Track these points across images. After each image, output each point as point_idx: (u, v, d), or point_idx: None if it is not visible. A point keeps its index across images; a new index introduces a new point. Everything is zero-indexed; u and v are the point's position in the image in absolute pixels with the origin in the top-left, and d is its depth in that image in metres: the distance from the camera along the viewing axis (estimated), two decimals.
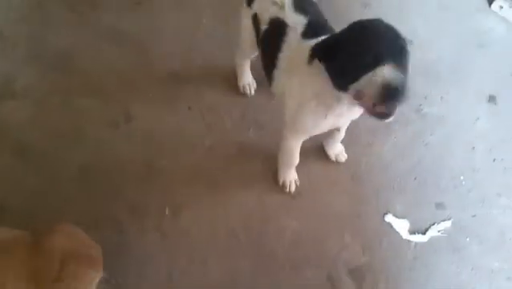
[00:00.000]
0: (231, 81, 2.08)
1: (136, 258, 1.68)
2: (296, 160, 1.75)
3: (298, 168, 1.82)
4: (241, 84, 2.06)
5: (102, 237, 1.65)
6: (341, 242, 1.75)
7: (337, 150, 1.91)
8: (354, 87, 1.25)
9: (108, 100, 2.02)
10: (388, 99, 1.19)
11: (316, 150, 1.93)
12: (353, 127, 1.77)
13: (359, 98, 1.26)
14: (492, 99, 2.17)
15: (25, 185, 1.80)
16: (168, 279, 1.65)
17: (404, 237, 1.78)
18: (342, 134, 1.80)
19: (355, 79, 1.23)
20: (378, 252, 1.74)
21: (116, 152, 1.90)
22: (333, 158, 1.92)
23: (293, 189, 1.83)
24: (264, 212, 1.79)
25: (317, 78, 1.35)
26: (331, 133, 1.78)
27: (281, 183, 1.83)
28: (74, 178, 1.82)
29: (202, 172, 1.87)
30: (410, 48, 1.25)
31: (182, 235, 1.73)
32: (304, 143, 1.67)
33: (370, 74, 1.19)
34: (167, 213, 1.78)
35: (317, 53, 1.32)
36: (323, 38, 1.36)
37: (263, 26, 1.56)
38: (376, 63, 1.19)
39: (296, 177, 1.84)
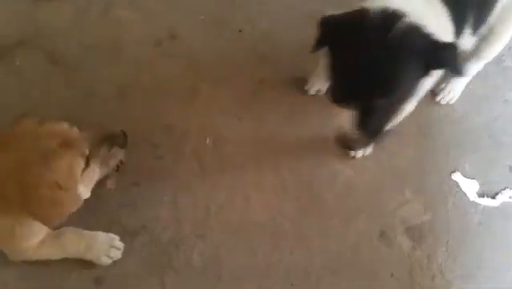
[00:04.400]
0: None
1: (172, 186, 1.52)
2: None
3: None
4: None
5: (137, 160, 1.53)
6: (400, 197, 1.54)
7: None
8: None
9: (152, 16, 1.82)
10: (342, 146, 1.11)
11: None
12: None
13: None
14: None
15: (57, 96, 1.65)
16: (205, 213, 1.50)
17: (471, 199, 1.56)
18: None
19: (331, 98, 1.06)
20: (441, 212, 1.53)
21: (157, 71, 1.71)
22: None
23: (311, 92, 1.67)
24: (316, 154, 1.60)
25: None
26: None
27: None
28: (110, 95, 1.66)
29: (249, 104, 1.68)
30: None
31: (223, 168, 1.57)
32: None
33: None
34: (207, 142, 1.60)
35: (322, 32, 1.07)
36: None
37: None
38: (338, 98, 1.03)
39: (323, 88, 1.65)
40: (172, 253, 1.44)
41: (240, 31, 1.80)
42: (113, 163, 1.30)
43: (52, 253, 1.35)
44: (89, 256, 1.37)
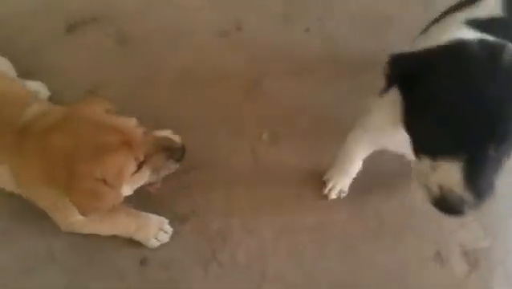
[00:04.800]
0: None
1: (226, 176, 1.51)
2: (350, 166, 1.39)
3: None
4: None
5: (193, 146, 1.51)
6: (461, 219, 1.47)
7: None
8: (415, 163, 0.90)
9: (221, 5, 1.81)
10: (441, 210, 0.87)
11: None
12: None
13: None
14: None
15: (122, 75, 1.66)
16: (256, 209, 1.47)
17: None
18: None
19: (420, 150, 0.88)
20: (501, 239, 1.45)
21: (219, 61, 1.70)
22: None
23: (332, 196, 1.47)
24: (377, 169, 1.53)
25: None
26: None
27: (324, 178, 1.50)
28: (169, 81, 1.65)
29: (310, 103, 1.64)
30: None
31: (277, 165, 1.54)
32: None
33: (429, 164, 0.85)
34: (264, 137, 1.58)
35: (394, 71, 0.90)
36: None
37: None
38: (449, 151, 0.81)
39: (345, 189, 1.48)
40: (218, 244, 1.42)
41: (307, 30, 1.77)
42: (164, 173, 1.25)
43: (102, 228, 1.36)
44: (138, 237, 1.38)
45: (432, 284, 1.40)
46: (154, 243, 1.39)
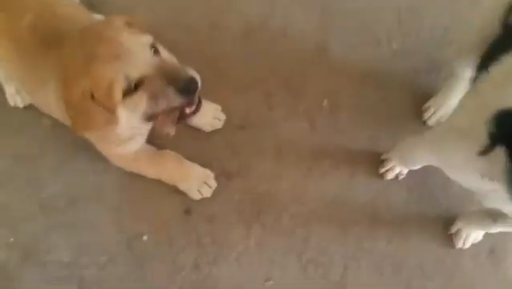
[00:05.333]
0: None
1: (278, 139, 1.45)
2: (413, 164, 1.34)
3: None
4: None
5: (247, 105, 1.48)
6: None
7: None
8: None
9: None
10: None
11: None
12: None
13: None
14: None
15: (183, 21, 1.60)
16: (306, 175, 1.42)
17: None
18: None
19: None
20: None
21: (289, 19, 1.59)
22: None
23: (389, 177, 1.41)
24: None
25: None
26: None
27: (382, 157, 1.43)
28: (235, 32, 1.57)
29: (379, 77, 1.53)
30: None
31: (333, 134, 1.47)
32: None
33: None
34: (324, 104, 1.50)
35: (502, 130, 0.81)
36: None
37: None
38: None
39: (404, 171, 1.40)
40: (263, 206, 1.39)
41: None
42: (163, 104, 1.05)
43: (147, 169, 1.35)
44: (182, 186, 1.36)
45: (483, 281, 1.34)
46: (196, 195, 1.37)
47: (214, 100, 1.45)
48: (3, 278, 1.27)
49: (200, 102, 1.11)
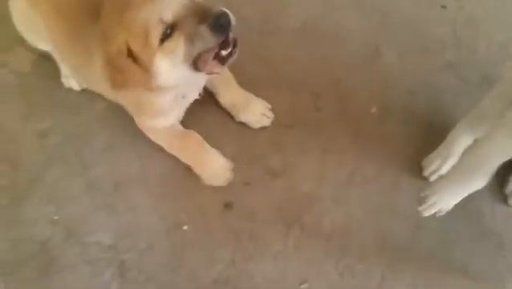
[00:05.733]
0: None
1: (322, 141, 1.44)
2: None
3: None
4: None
5: (295, 104, 1.47)
6: None
7: None
8: None
9: None
10: None
11: None
12: None
13: None
14: None
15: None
16: (349, 180, 1.41)
17: None
18: None
19: None
20: None
21: (343, 19, 1.60)
22: None
23: (431, 179, 1.38)
24: None
25: None
26: None
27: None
28: (292, 27, 1.58)
29: (429, 88, 1.51)
30: None
31: (379, 141, 1.45)
32: None
33: None
34: (373, 111, 1.49)
35: None
36: None
37: None
38: None
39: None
40: (304, 207, 1.38)
41: (443, 7, 1.62)
42: (198, 45, 1.00)
43: (169, 144, 1.35)
44: (197, 170, 1.36)
45: None
46: (209, 182, 1.36)
47: (261, 96, 1.46)
48: (45, 254, 1.30)
49: (235, 44, 1.06)
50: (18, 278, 1.28)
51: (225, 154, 1.40)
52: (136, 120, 1.33)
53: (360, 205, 1.38)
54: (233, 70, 1.40)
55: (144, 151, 1.38)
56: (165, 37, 0.98)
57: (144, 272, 1.30)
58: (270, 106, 1.44)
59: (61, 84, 1.45)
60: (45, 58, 1.44)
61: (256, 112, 1.43)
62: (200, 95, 1.33)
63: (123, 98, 1.26)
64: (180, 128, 1.36)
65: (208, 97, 1.42)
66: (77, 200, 1.35)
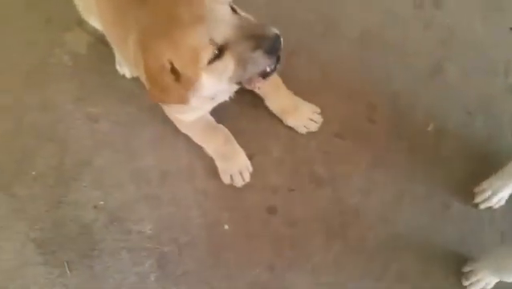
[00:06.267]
0: None
1: (373, 155, 1.40)
2: None
3: None
4: None
5: (348, 113, 1.43)
6: None
7: None
8: None
9: None
10: None
11: None
12: None
13: None
14: None
15: (300, 17, 1.57)
16: (397, 199, 1.36)
17: None
18: None
19: None
20: None
21: (407, 32, 1.53)
22: None
23: (486, 205, 1.34)
24: None
25: None
26: None
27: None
28: (351, 35, 1.52)
29: (492, 110, 1.45)
30: None
31: (433, 160, 1.40)
32: None
33: None
34: (429, 129, 1.43)
35: None
36: None
37: None
38: None
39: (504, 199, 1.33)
40: (348, 221, 1.35)
41: None
42: (252, 70, 0.99)
43: (197, 135, 1.34)
44: (219, 163, 1.35)
45: None
46: (227, 179, 1.35)
47: (315, 102, 1.42)
48: (88, 237, 1.31)
49: (279, 60, 1.01)
50: (59, 258, 1.30)
51: (271, 157, 1.39)
52: (165, 110, 1.31)
53: (407, 224, 1.34)
54: (287, 74, 1.37)
55: (193, 145, 1.37)
56: (215, 57, 0.94)
57: (182, 267, 1.30)
58: (318, 110, 1.41)
59: (115, 70, 1.44)
60: (102, 42, 1.43)
61: (303, 117, 1.39)
62: (230, 98, 1.29)
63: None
64: (210, 120, 1.34)
65: (259, 101, 1.40)
66: (123, 188, 1.36)
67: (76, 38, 1.49)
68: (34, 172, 1.36)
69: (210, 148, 1.35)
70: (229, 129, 1.36)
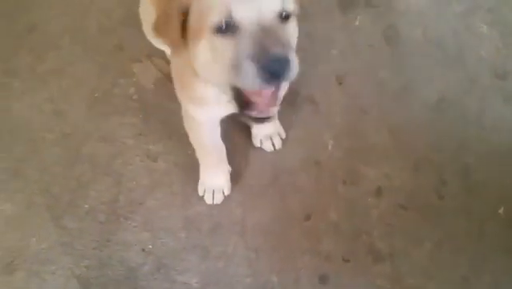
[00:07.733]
0: None
1: (439, 232, 1.31)
2: None
3: None
4: None
5: (415, 188, 1.35)
6: None
7: None
8: None
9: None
10: None
11: None
12: None
13: None
14: None
15: (377, 79, 1.52)
16: (460, 285, 1.27)
17: None
18: None
19: None
20: None
21: (487, 109, 1.44)
22: None
23: None
24: None
25: None
26: None
27: None
28: (429, 101, 1.46)
29: None
30: None
31: (502, 249, 1.29)
32: None
33: None
34: (500, 212, 1.33)
35: None
36: None
37: None
38: None
39: None
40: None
41: None
42: (242, 78, 0.83)
43: (192, 139, 1.27)
44: (201, 174, 1.34)
45: None
46: (201, 191, 1.35)
47: (381, 168, 1.36)
48: (133, 282, 1.27)
49: (276, 98, 0.86)
50: None
51: (328, 221, 1.32)
52: (182, 107, 1.21)
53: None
54: (355, 131, 1.31)
55: (248, 200, 1.32)
56: (220, 30, 0.82)
57: None
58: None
59: (178, 109, 1.41)
60: (169, 78, 1.40)
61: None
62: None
63: (173, 69, 1.15)
64: (221, 149, 1.30)
65: None
66: (173, 233, 1.31)
67: (144, 70, 1.48)
68: (86, 206, 1.34)
69: (200, 156, 1.32)
70: (285, 182, 1.30)
